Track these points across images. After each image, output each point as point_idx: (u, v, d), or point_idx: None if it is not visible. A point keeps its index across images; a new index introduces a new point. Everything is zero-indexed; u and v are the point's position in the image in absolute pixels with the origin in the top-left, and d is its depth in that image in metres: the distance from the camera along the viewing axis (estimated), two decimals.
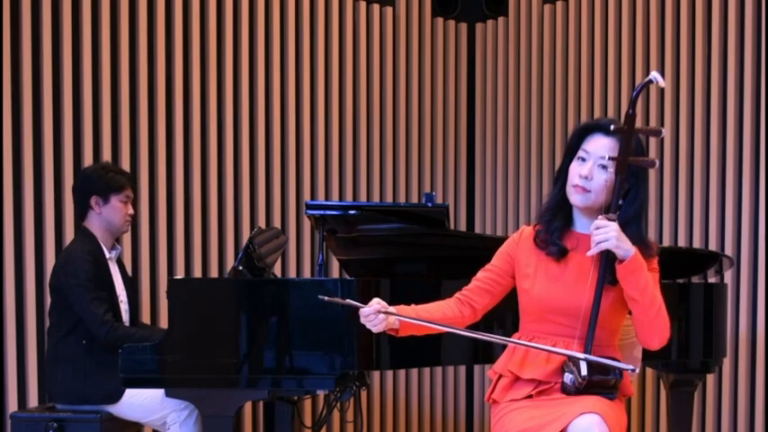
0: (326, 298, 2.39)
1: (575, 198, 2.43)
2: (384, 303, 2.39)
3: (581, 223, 2.50)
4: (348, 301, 2.38)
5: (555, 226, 2.48)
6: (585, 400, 2.29)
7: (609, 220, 2.33)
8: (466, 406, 5.37)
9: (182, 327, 3.02)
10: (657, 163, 2.45)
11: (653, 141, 4.60)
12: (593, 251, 2.34)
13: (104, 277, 3.45)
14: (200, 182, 4.53)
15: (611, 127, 2.40)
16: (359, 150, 5.07)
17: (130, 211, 3.57)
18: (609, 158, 2.37)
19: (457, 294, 2.57)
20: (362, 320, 2.39)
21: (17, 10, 3.99)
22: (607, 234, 2.31)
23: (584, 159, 2.43)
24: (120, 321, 3.47)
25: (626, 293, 2.36)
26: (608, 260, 2.36)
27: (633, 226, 2.39)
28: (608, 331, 2.45)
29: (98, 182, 3.50)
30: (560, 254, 2.46)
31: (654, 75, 2.31)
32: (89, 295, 3.33)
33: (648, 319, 2.37)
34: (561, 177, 2.51)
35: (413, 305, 2.51)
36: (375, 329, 2.39)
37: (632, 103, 2.35)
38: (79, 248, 3.43)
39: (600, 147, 2.42)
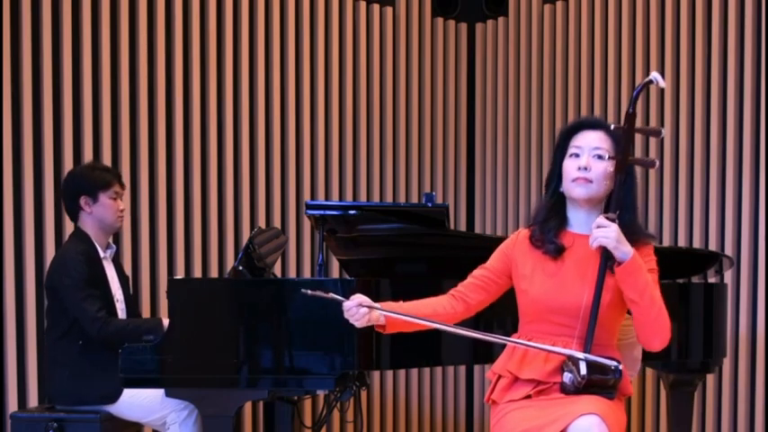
0: (309, 291, 2.38)
1: (577, 191, 2.44)
2: (367, 299, 2.39)
3: (577, 223, 2.51)
4: (331, 295, 2.38)
5: (550, 225, 2.50)
6: (585, 401, 2.29)
7: (609, 219, 2.35)
8: (466, 406, 5.37)
9: (182, 327, 3.02)
10: (657, 163, 2.47)
11: (653, 141, 4.60)
12: (593, 245, 2.35)
13: (99, 276, 3.44)
14: (200, 182, 4.53)
15: (612, 126, 2.43)
16: (359, 150, 5.07)
17: (121, 206, 3.55)
18: (609, 158, 2.39)
19: (451, 291, 2.57)
20: (345, 315, 2.40)
21: (17, 10, 3.99)
22: (607, 234, 2.32)
23: (577, 155, 2.46)
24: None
25: (625, 295, 2.37)
26: (607, 260, 2.36)
27: (630, 213, 2.43)
28: (607, 330, 2.46)
29: (84, 181, 3.49)
30: (557, 252, 2.46)
31: (654, 75, 2.33)
32: (81, 294, 3.32)
33: (649, 320, 2.37)
34: (554, 180, 2.53)
35: (401, 302, 2.50)
36: (357, 324, 2.40)
37: (632, 103, 2.37)
38: (72, 249, 3.43)
39: (591, 140, 2.46)
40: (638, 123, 2.49)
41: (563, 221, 2.52)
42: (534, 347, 2.39)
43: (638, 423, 4.70)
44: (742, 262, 4.33)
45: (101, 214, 3.49)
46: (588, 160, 2.43)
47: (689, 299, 3.55)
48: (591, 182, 2.43)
